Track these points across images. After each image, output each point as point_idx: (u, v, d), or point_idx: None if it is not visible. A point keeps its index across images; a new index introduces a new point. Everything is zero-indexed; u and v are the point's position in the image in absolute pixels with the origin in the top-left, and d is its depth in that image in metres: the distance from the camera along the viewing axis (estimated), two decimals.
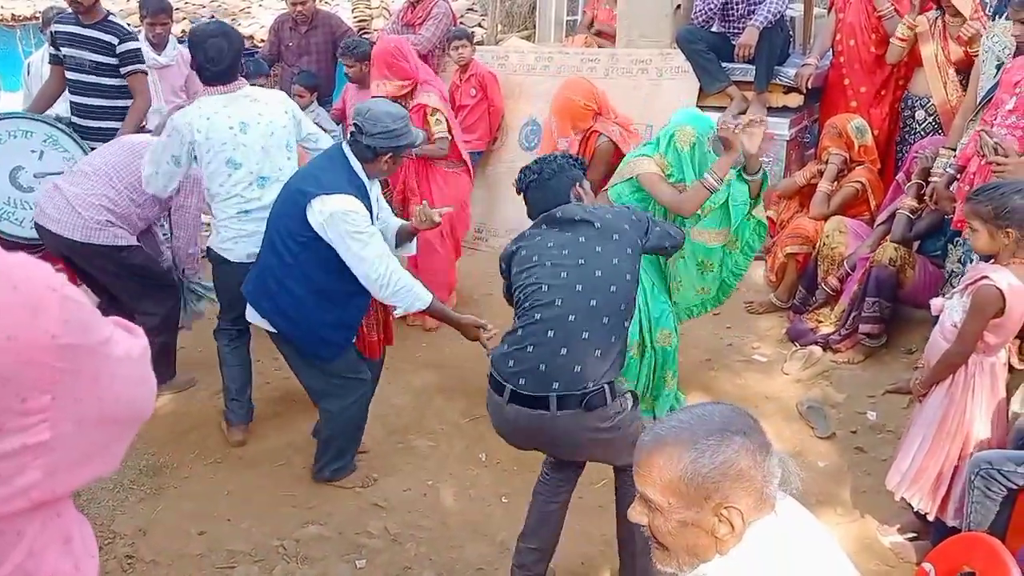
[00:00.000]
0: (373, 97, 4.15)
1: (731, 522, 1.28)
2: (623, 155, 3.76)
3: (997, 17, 3.91)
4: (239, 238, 3.34)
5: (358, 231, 2.89)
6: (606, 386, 2.38)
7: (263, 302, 3.09)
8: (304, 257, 2.96)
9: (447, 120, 4.38)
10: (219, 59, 3.21)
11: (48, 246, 3.68)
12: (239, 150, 3.25)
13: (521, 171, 2.73)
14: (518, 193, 2.74)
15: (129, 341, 1.08)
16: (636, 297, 2.52)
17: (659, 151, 3.43)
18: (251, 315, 3.18)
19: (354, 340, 3.25)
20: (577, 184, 2.65)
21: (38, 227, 3.68)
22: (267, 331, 3.16)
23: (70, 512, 1.10)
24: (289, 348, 3.18)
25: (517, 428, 2.47)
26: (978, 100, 3.77)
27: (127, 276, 3.73)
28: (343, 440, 3.35)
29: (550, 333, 2.37)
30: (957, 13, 4.34)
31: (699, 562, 1.32)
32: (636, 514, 1.37)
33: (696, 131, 3.38)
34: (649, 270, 3.47)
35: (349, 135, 3.00)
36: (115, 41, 4.24)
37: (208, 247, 3.48)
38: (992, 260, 2.65)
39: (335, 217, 2.85)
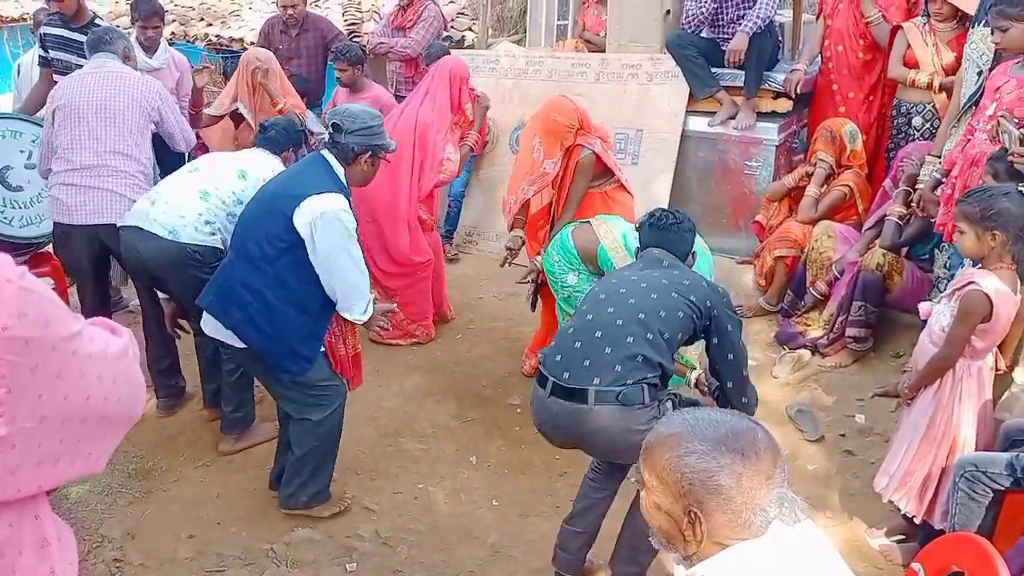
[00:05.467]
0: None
1: (694, 528, 1.30)
2: (604, 165, 3.77)
3: (976, 25, 3.93)
4: None
5: (350, 233, 2.85)
6: (645, 387, 2.44)
7: (233, 313, 2.90)
8: (283, 264, 2.85)
9: None
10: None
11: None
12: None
13: (664, 210, 2.87)
14: (652, 226, 2.79)
15: (107, 339, 1.04)
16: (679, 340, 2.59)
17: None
18: (212, 328, 2.99)
19: (322, 350, 3.05)
20: (689, 255, 2.82)
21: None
22: (230, 346, 2.98)
23: (48, 516, 1.07)
24: (257, 362, 3.00)
25: (557, 424, 2.57)
26: (960, 106, 3.80)
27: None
28: (319, 457, 3.10)
29: (598, 333, 2.51)
30: (945, 18, 4.36)
31: (672, 547, 1.37)
32: (635, 482, 1.45)
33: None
34: None
35: (328, 138, 2.96)
36: None
37: None
38: (979, 265, 2.68)
39: (328, 216, 2.78)
